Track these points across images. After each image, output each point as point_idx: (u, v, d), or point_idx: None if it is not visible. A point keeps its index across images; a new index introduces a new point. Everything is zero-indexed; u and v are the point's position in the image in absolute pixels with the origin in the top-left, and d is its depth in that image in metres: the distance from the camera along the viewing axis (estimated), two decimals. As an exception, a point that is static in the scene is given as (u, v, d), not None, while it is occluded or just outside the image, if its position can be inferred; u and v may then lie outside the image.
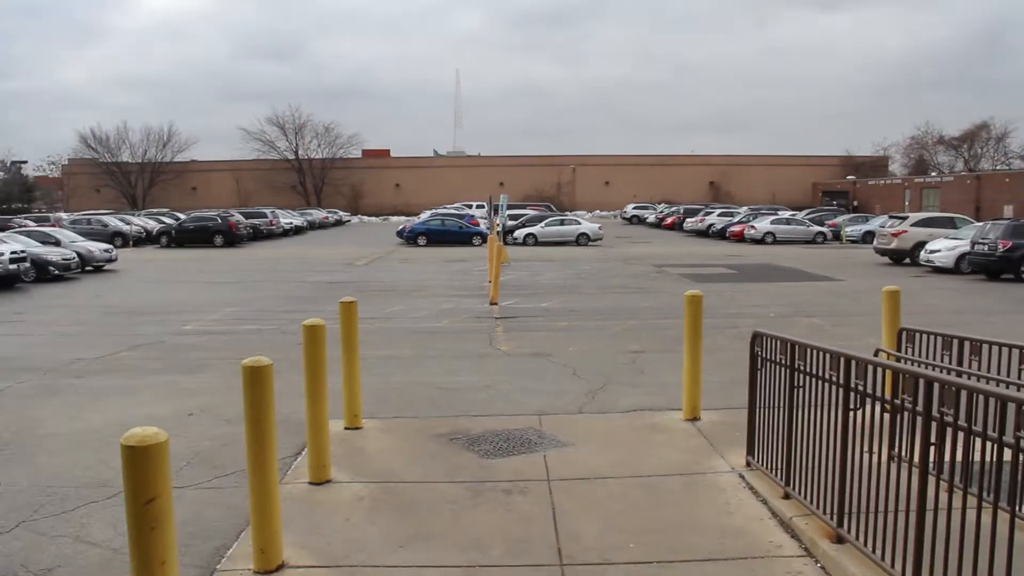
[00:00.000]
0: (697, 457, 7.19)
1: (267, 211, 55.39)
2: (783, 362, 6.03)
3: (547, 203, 72.58)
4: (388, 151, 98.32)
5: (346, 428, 8.02)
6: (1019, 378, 5.80)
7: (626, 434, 7.95)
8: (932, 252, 27.33)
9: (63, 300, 20.37)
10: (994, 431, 3.77)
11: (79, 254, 27.04)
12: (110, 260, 29.26)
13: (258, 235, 49.04)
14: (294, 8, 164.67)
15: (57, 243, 27.92)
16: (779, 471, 6.09)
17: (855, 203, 72.31)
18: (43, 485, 6.70)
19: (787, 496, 5.91)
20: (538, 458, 7.20)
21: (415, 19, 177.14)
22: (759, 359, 6.55)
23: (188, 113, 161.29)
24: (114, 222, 44.99)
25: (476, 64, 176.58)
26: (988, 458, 3.90)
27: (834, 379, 5.23)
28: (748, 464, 6.78)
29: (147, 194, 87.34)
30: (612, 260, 32.77)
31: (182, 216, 50.46)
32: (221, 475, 6.96)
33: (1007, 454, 3.69)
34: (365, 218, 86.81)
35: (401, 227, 48.23)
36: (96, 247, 29.31)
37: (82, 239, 30.61)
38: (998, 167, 73.24)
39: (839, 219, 50.85)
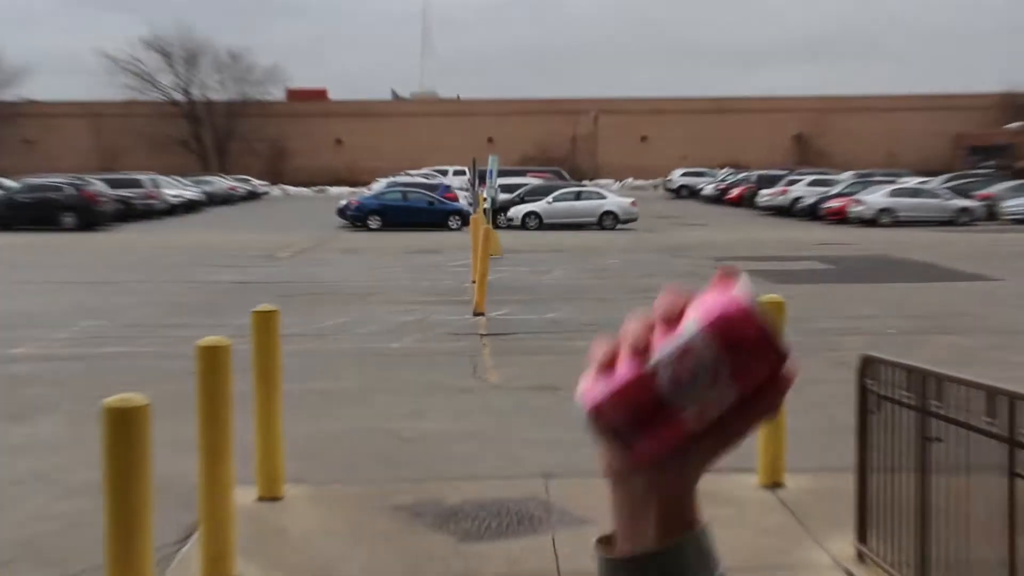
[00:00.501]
0: (782, 542, 7.18)
1: (144, 178, 55.31)
2: (911, 402, 6.00)
3: (557, 168, 72.55)
4: (324, 91, 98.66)
5: (260, 499, 7.97)
6: None
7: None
8: None
9: None
10: None
11: None
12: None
13: (131, 213, 48.88)
14: None
15: None
16: (907, 565, 6.05)
17: (1020, 163, 72.37)
18: None
19: (919, 603, 5.87)
20: (545, 542, 7.17)
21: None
22: (874, 396, 6.52)
23: (17, 27, 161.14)
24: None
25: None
26: None
27: (993, 429, 5.18)
28: (860, 556, 6.75)
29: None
30: (650, 250, 32.83)
31: (13, 184, 50.21)
32: None
33: None
34: (291, 189, 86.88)
35: (345, 202, 48.31)
36: None
37: None
38: None
39: (995, 188, 50.84)
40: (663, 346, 0.85)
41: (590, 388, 0.87)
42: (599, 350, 0.90)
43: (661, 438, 0.87)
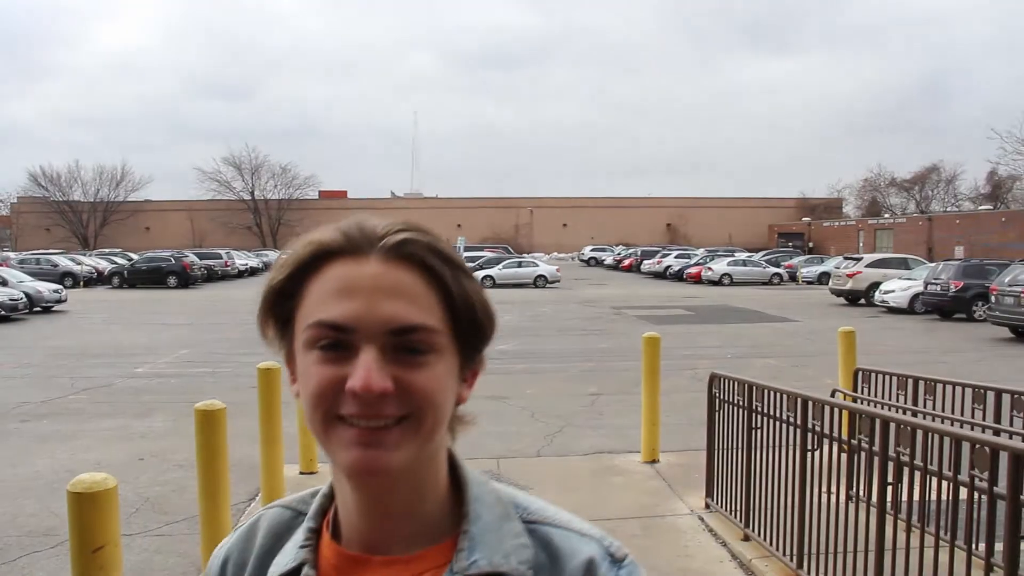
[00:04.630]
0: (656, 500, 7.19)
1: (222, 252, 54.91)
2: (741, 403, 6.08)
3: (505, 245, 72.76)
4: (345, 192, 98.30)
5: (301, 472, 7.90)
6: (972, 416, 5.90)
7: (585, 477, 7.93)
8: (886, 292, 27.84)
9: (9, 341, 19.96)
10: (949, 470, 3.81)
11: (27, 294, 26.49)
12: (59, 301, 28.75)
13: (213, 276, 48.48)
14: (245, 47, 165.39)
15: (4, 283, 27.33)
16: (738, 513, 6.10)
17: (810, 244, 73.45)
18: (-16, 534, 6.52)
19: (747, 538, 5.92)
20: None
21: (370, 62, 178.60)
22: (717, 400, 6.60)
23: (141, 152, 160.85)
24: (64, 262, 44.31)
25: (433, 106, 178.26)
26: (945, 496, 3.94)
27: (792, 420, 5.28)
28: (707, 506, 6.79)
29: (99, 234, 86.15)
30: (570, 302, 32.87)
31: (135, 256, 49.77)
32: (171, 522, 6.82)
33: (963, 492, 3.73)
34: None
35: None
36: (45, 287, 28.78)
37: (30, 279, 30.05)
38: (948, 209, 75.09)
39: (795, 260, 51.65)
40: None
41: None
42: None
43: None
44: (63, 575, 5.37)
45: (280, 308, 0.94)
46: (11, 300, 25.26)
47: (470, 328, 0.93)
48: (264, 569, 1.00)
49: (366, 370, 0.85)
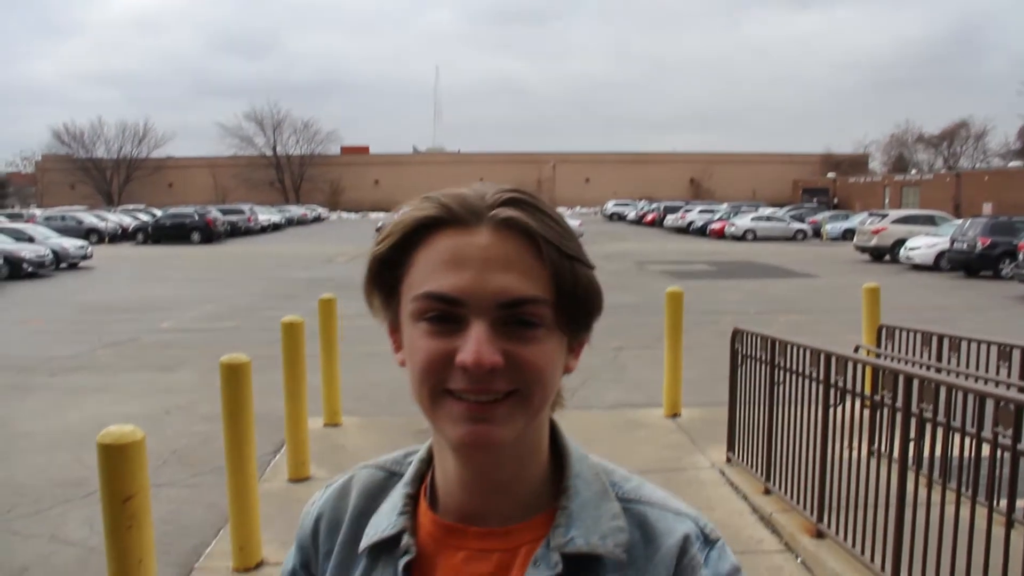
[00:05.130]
0: (678, 453, 7.22)
1: (245, 207, 55.10)
2: (763, 359, 6.07)
3: (527, 200, 72.53)
4: (367, 148, 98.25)
5: (325, 425, 8.01)
6: (997, 374, 5.87)
7: (607, 431, 7.97)
8: (912, 249, 27.56)
9: (37, 297, 20.21)
10: (972, 427, 3.81)
11: (54, 251, 26.78)
12: (85, 257, 29.04)
13: (236, 232, 48.73)
14: (267, 2, 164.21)
15: (31, 240, 27.64)
16: (759, 467, 6.13)
17: (835, 200, 72.67)
18: (17, 484, 6.65)
19: (767, 492, 5.95)
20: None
21: (390, 17, 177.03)
22: (739, 356, 6.59)
23: (163, 109, 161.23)
24: (89, 218, 44.64)
25: (454, 61, 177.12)
26: (967, 454, 3.94)
27: (814, 376, 5.27)
28: (728, 460, 6.82)
29: (123, 190, 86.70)
30: (593, 257, 32.37)
31: (159, 213, 50.04)
32: (199, 473, 6.94)
33: (985, 449, 3.73)
34: (344, 214, 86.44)
35: (380, 223, 47.63)
36: (71, 244, 29.07)
37: (56, 236, 30.33)
38: (977, 165, 73.95)
39: (819, 216, 51.14)
40: None
41: None
42: None
43: None
44: (95, 524, 5.49)
45: (385, 278, 0.93)
46: (38, 257, 25.54)
47: (580, 301, 0.91)
48: (359, 530, 1.01)
49: (477, 344, 0.83)
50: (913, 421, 4.22)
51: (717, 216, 50.28)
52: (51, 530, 5.72)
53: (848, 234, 41.04)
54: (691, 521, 0.97)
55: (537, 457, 0.96)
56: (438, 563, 0.95)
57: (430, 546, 0.96)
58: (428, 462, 1.02)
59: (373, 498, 1.04)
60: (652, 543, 0.94)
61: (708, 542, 0.95)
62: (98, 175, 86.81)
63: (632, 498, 0.98)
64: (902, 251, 28.22)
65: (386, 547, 0.97)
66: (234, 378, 4.88)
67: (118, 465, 3.28)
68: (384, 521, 0.98)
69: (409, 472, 1.03)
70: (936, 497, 3.98)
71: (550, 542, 0.91)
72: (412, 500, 1.00)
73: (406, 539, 0.96)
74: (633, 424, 8.21)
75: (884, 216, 32.62)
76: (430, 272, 0.87)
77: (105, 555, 3.37)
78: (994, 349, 6.15)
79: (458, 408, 0.86)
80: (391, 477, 1.05)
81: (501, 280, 0.85)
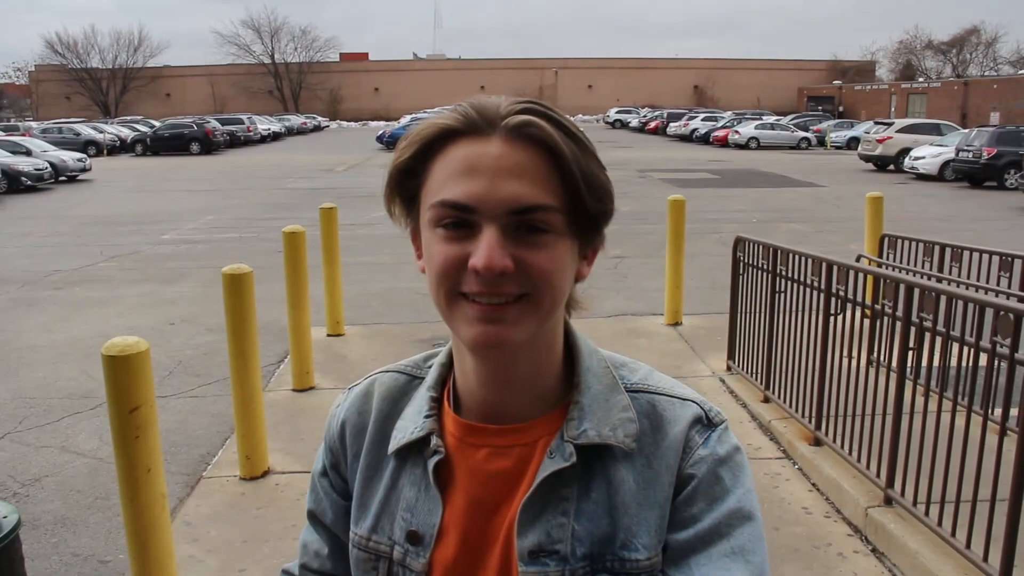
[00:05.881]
0: (678, 361, 7.28)
1: (244, 117, 54.39)
2: (765, 267, 6.07)
3: (529, 108, 71.72)
4: (366, 55, 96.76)
5: (328, 335, 8.07)
6: (998, 284, 5.87)
7: (608, 339, 8.02)
8: (916, 159, 27.27)
9: (37, 211, 20.14)
10: (971, 336, 3.82)
11: (52, 164, 26.50)
12: (84, 170, 28.80)
13: (235, 142, 48.22)
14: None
15: (28, 153, 27.32)
16: (759, 375, 6.18)
17: (840, 109, 71.79)
18: (26, 397, 6.74)
19: (766, 400, 6.02)
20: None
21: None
22: (741, 264, 6.59)
23: (157, 16, 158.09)
24: (87, 130, 44.02)
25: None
26: (964, 363, 3.97)
27: (815, 284, 5.28)
28: (728, 368, 6.88)
29: (119, 102, 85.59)
30: (595, 166, 32.41)
31: (157, 124, 49.38)
32: (204, 383, 7.01)
33: (983, 359, 3.75)
34: (344, 123, 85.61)
35: (381, 132, 47.39)
36: (69, 156, 28.75)
37: (54, 148, 29.97)
38: (987, 73, 72.69)
39: (824, 125, 50.52)
40: None
41: None
42: None
43: None
44: (104, 435, 5.58)
45: (405, 186, 0.97)
46: (36, 170, 25.30)
47: (591, 207, 0.94)
48: (385, 433, 1.07)
49: (488, 249, 0.87)
50: (913, 330, 4.24)
51: (721, 124, 49.60)
52: (61, 441, 5.81)
53: (853, 143, 40.59)
54: (696, 405, 1.02)
55: (551, 356, 1.01)
56: (461, 462, 1.01)
57: (453, 446, 1.02)
58: (448, 367, 1.08)
59: (395, 401, 1.10)
60: (660, 430, 0.99)
61: (711, 425, 1.01)
62: (94, 86, 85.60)
63: (640, 388, 1.03)
64: (907, 161, 27.93)
65: (415, 447, 1.04)
66: (237, 289, 4.89)
67: (123, 376, 3.31)
68: (411, 424, 1.04)
69: (431, 376, 1.09)
70: (932, 406, 4.02)
71: (564, 434, 0.97)
72: (436, 403, 1.05)
73: (434, 440, 1.02)
74: (634, 332, 8.27)
75: (889, 125, 32.20)
76: (445, 180, 0.91)
77: (115, 465, 3.43)
78: (995, 259, 6.15)
79: (472, 310, 0.90)
80: (412, 381, 1.11)
81: (512, 187, 0.89)
